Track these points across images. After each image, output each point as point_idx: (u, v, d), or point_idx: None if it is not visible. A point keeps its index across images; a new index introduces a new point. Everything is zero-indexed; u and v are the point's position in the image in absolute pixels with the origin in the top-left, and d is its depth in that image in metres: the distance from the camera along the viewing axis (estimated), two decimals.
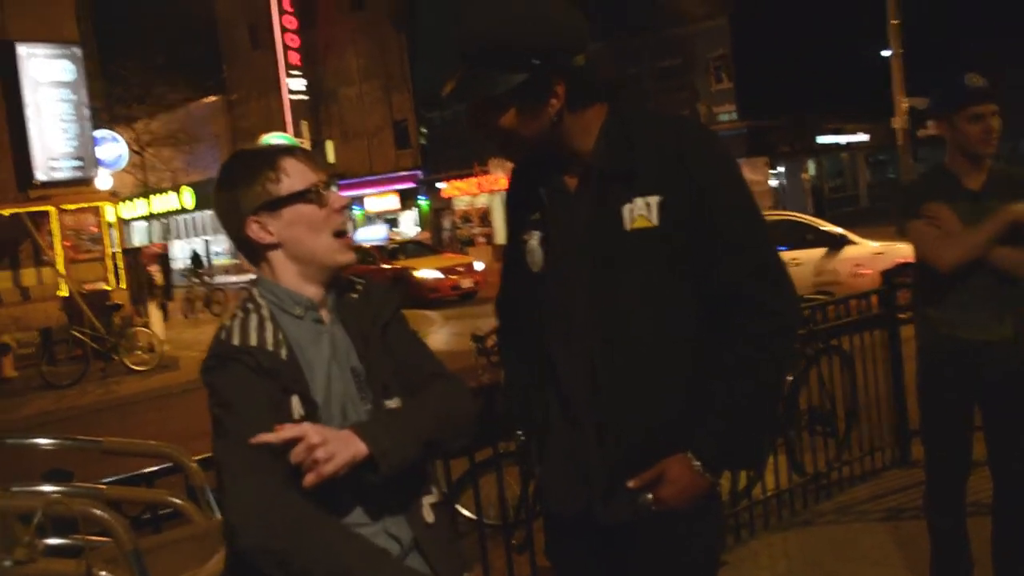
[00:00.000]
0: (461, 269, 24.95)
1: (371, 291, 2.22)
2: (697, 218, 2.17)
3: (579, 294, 2.25)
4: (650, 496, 2.23)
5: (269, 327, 2.03)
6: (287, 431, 1.90)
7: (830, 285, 12.35)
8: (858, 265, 12.54)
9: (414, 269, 23.87)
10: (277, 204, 2.07)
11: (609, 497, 2.28)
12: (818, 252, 13.11)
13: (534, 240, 2.35)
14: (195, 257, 37.01)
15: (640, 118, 2.26)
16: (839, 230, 13.42)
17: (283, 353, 2.00)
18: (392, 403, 2.11)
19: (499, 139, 2.25)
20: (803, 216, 14.48)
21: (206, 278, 31.29)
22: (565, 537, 2.47)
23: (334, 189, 2.14)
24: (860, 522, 5.29)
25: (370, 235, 38.28)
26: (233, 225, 2.09)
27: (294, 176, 2.08)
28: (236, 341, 1.99)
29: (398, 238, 34.88)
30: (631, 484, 2.24)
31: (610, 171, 2.21)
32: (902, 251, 12.82)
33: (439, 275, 23.91)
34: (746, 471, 4.85)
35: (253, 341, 1.99)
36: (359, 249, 24.77)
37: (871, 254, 12.96)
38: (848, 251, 13.05)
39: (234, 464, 1.90)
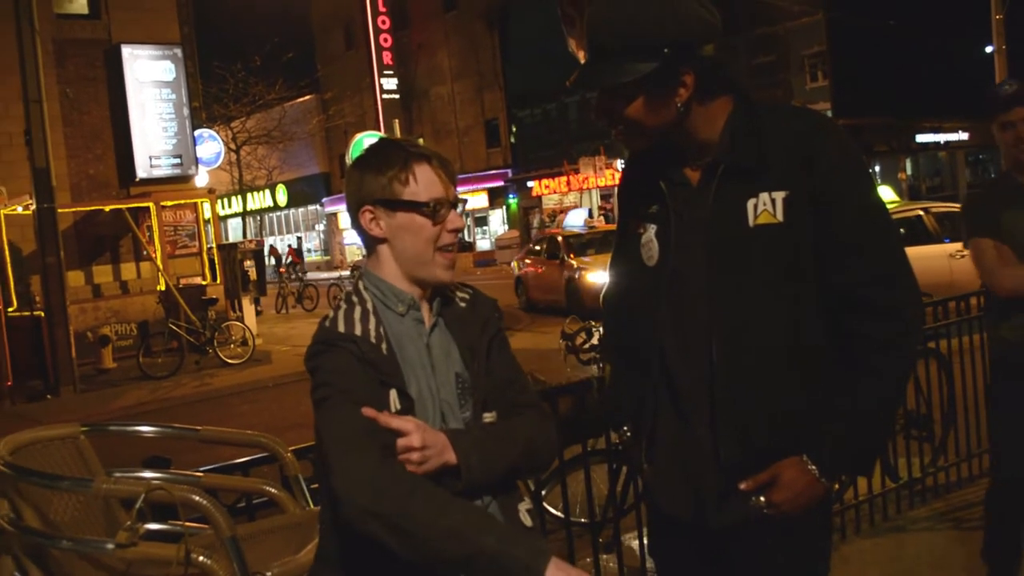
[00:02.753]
0: None
1: (478, 301, 2.24)
2: (822, 215, 2.12)
3: (698, 290, 2.20)
4: (763, 499, 2.18)
5: (372, 320, 2.07)
6: (394, 420, 1.96)
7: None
8: None
9: (586, 271, 18.24)
10: (395, 205, 2.09)
11: (721, 500, 2.24)
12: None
13: (650, 233, 2.30)
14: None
15: (767, 111, 2.22)
16: None
17: (384, 347, 2.04)
18: (488, 416, 2.14)
19: (624, 129, 2.22)
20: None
21: (300, 273, 31.41)
22: (670, 535, 2.44)
23: (458, 210, 2.15)
24: (955, 530, 5.16)
25: (573, 221, 30.61)
26: (352, 206, 2.14)
27: (422, 184, 2.09)
28: (341, 329, 2.04)
29: (601, 225, 25.79)
30: (744, 486, 2.19)
31: (736, 165, 2.16)
32: None
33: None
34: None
35: (357, 331, 2.03)
36: (548, 237, 22.20)
37: None
38: None
39: (340, 435, 1.94)
